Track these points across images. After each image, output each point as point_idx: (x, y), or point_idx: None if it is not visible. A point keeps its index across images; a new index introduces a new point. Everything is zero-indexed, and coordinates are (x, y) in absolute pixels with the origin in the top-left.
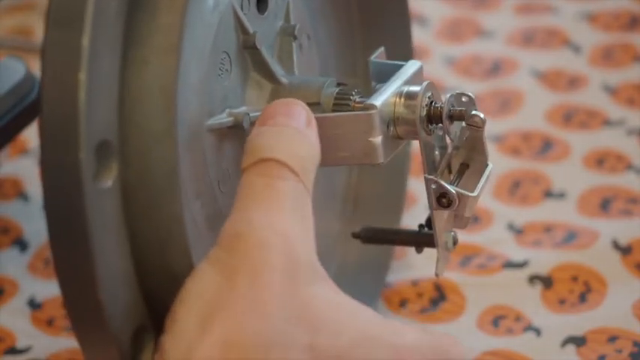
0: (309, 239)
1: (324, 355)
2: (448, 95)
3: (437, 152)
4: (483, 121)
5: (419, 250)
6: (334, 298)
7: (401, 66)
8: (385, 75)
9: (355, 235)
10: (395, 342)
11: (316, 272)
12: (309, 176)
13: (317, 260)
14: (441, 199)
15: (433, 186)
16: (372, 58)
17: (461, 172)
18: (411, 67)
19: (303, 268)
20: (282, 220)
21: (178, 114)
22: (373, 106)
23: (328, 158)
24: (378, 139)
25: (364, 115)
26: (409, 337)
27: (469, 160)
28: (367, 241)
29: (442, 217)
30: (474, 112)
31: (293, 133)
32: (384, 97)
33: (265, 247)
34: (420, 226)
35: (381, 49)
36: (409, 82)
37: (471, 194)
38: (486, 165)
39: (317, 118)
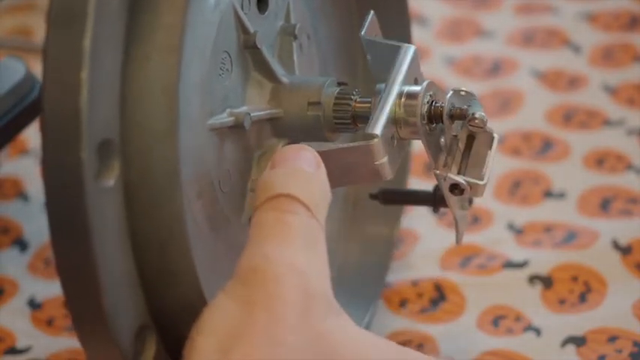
0: (324, 273)
1: None
2: (448, 95)
3: (442, 139)
4: (484, 122)
5: (436, 209)
6: (350, 330)
7: (395, 47)
8: (380, 59)
9: (373, 197)
10: None
11: (331, 306)
12: (322, 212)
13: (332, 294)
14: (454, 190)
15: (443, 180)
16: (363, 33)
17: (468, 147)
18: (406, 56)
19: (317, 301)
20: (295, 254)
21: (179, 113)
22: (374, 136)
23: (337, 182)
24: (384, 161)
25: (366, 146)
26: None
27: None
28: (385, 202)
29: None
30: (474, 113)
31: (303, 173)
32: (384, 120)
33: (281, 281)
34: (436, 187)
35: (372, 16)
36: (407, 75)
37: (480, 182)
38: (492, 137)
39: (321, 153)
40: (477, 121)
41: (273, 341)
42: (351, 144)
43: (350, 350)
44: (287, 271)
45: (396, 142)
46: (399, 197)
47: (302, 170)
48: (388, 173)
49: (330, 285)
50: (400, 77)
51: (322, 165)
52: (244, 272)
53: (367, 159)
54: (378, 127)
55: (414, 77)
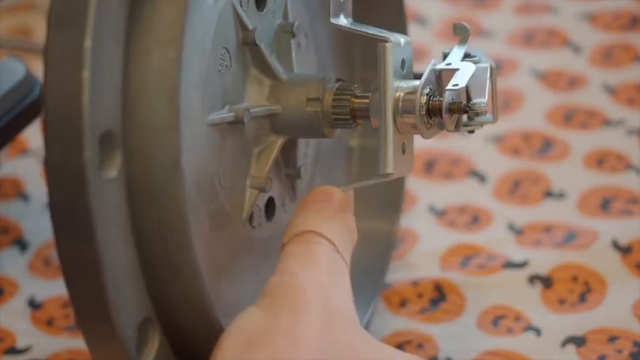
0: (346, 296)
1: None
2: (447, 90)
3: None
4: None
5: None
6: (370, 340)
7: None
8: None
9: None
10: None
11: (353, 320)
12: (347, 249)
13: (355, 314)
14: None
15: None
16: (333, 19)
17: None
18: (386, 54)
19: (340, 315)
20: (319, 275)
21: (180, 107)
22: (389, 175)
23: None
24: (395, 175)
25: (383, 179)
26: None
27: None
28: None
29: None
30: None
31: (330, 213)
32: (391, 151)
33: (305, 291)
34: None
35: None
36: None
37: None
38: (488, 68)
39: (345, 191)
40: (476, 107)
41: (295, 341)
42: (370, 182)
43: (370, 357)
44: (311, 284)
45: (405, 150)
46: None
47: (328, 210)
48: (389, 168)
49: (354, 308)
50: (389, 78)
51: (349, 206)
52: (272, 286)
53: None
54: (389, 165)
55: (402, 70)
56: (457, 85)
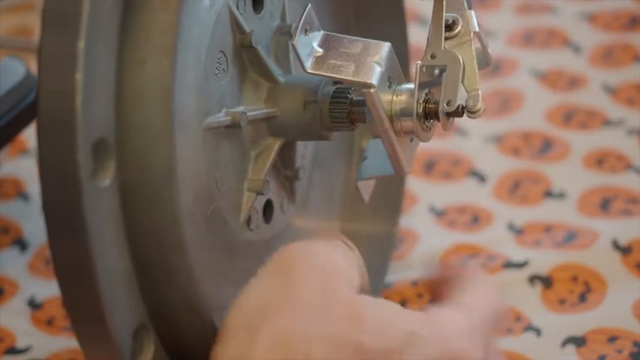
0: (354, 267)
1: (372, 356)
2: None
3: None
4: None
5: None
6: (374, 300)
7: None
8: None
9: None
10: (443, 334)
11: (355, 289)
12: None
13: (358, 284)
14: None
15: None
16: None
17: None
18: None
19: (342, 278)
20: (326, 247)
21: (175, 113)
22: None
23: None
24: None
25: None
26: (455, 326)
27: None
28: None
29: None
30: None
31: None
32: (404, 161)
33: (311, 254)
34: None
35: (308, 9)
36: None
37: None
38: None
39: None
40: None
41: (300, 309)
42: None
43: (377, 318)
44: (316, 249)
45: (412, 139)
46: None
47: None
48: (406, 170)
49: (360, 283)
50: (382, 117)
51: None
52: (276, 255)
53: None
54: (405, 168)
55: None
56: (450, 102)
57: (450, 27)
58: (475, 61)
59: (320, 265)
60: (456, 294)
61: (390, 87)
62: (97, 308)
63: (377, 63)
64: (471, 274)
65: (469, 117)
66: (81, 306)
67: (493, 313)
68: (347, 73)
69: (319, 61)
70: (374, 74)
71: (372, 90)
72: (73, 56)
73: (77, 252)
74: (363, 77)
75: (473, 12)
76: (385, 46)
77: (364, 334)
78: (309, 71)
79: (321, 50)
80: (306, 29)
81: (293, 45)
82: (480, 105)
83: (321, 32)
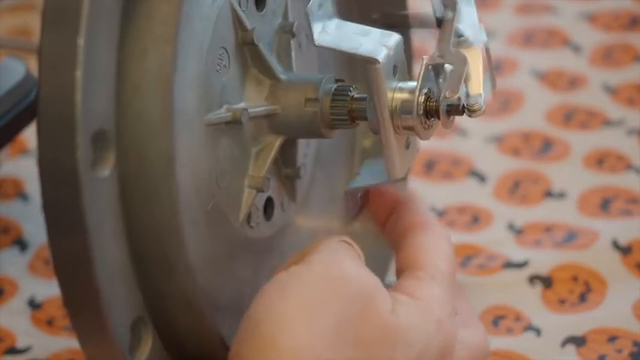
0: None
1: None
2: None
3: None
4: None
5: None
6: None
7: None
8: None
9: (374, 20)
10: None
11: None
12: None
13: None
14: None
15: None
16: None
17: None
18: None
19: (377, 294)
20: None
21: (175, 106)
22: (400, 180)
23: None
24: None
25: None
26: (440, 305)
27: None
28: (387, 26)
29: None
30: (471, 103)
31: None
32: (396, 157)
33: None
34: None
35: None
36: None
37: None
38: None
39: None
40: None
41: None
42: (377, 182)
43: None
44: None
45: (410, 144)
46: (400, 19)
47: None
48: (397, 173)
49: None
50: (384, 98)
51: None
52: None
53: None
54: (397, 170)
55: (394, 76)
56: (451, 92)
57: (460, 35)
58: (481, 67)
59: (351, 294)
60: (412, 249)
61: (394, 75)
62: (94, 300)
63: (385, 46)
64: (418, 218)
65: (469, 116)
66: (78, 298)
67: (452, 264)
68: (354, 48)
69: (328, 34)
70: (381, 52)
71: (378, 65)
72: (73, 53)
73: (75, 243)
74: (370, 53)
75: (483, 29)
76: (395, 36)
77: (396, 351)
78: (318, 43)
79: (332, 27)
80: (320, 4)
81: (307, 11)
82: (480, 104)
83: (335, 18)
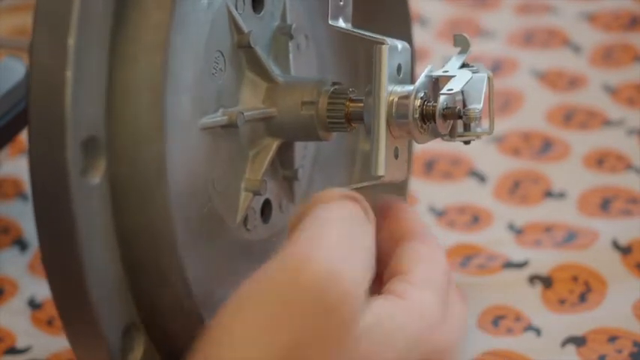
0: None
1: None
2: (441, 94)
3: None
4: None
5: None
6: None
7: (368, 40)
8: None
9: None
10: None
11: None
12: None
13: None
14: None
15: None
16: (331, 21)
17: None
18: (382, 56)
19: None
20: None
21: (168, 112)
22: (380, 177)
23: None
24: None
25: (375, 181)
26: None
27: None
28: None
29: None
30: (467, 110)
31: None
32: (383, 154)
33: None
34: None
35: None
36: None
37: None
38: (485, 78)
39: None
40: (471, 113)
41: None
42: (364, 184)
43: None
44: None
45: (398, 155)
46: None
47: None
48: (380, 170)
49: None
50: (384, 79)
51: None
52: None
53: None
54: (381, 167)
55: (398, 75)
56: (452, 89)
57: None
58: (485, 87)
59: (311, 308)
60: (405, 258)
61: (398, 74)
62: (85, 307)
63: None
64: (411, 227)
65: (465, 122)
66: (70, 304)
67: (447, 275)
68: (365, 31)
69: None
70: (390, 40)
71: (385, 45)
72: (62, 53)
73: (66, 250)
74: (379, 37)
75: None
76: (404, 43)
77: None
78: (331, 22)
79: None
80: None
81: None
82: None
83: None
